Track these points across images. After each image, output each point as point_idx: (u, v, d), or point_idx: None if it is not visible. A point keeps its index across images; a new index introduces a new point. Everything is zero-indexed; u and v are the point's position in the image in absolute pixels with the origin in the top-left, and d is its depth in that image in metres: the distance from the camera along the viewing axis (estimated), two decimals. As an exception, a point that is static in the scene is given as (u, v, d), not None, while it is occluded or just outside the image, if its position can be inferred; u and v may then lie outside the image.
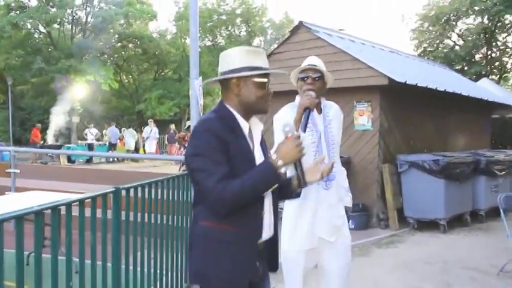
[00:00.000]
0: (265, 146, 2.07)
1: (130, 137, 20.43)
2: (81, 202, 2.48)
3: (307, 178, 2.00)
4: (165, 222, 3.75)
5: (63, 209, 2.38)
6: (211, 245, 1.89)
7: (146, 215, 3.48)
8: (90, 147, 18.97)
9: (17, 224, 2.00)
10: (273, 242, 2.09)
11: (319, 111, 2.80)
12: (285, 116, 2.70)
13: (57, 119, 22.48)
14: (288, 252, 2.73)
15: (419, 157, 7.18)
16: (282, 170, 1.86)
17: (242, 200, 1.81)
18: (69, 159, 17.40)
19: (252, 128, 2.03)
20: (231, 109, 1.97)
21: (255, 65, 1.94)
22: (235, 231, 1.88)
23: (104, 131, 22.11)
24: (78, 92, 25.80)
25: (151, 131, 19.37)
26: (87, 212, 2.64)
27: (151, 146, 19.33)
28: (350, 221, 7.26)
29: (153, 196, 3.51)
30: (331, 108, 2.88)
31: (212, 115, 1.95)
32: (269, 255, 2.10)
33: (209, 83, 2.12)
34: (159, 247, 3.68)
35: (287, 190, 2.09)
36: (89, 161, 18.34)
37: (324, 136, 2.75)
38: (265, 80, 1.96)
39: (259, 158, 1.98)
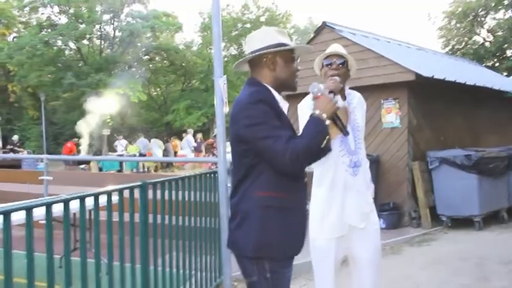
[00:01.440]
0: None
1: (156, 147, 20.68)
2: (109, 194, 2.53)
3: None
4: (192, 224, 3.77)
5: (90, 202, 2.42)
6: (271, 213, 1.95)
7: (174, 217, 3.52)
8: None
9: (47, 212, 2.06)
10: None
11: (344, 98, 2.78)
12: (309, 104, 2.70)
13: (88, 132, 23.00)
14: (318, 240, 2.69)
15: (450, 153, 7.01)
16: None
17: (311, 155, 1.94)
18: (100, 170, 17.75)
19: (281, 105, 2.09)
20: (266, 84, 2.05)
21: (285, 42, 2.06)
22: (290, 198, 1.99)
23: (134, 144, 22.52)
24: (108, 105, 26.35)
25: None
26: (115, 216, 2.70)
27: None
28: (381, 220, 7.17)
29: (180, 194, 3.53)
30: (355, 96, 2.87)
31: (255, 88, 2.01)
32: None
33: (241, 63, 2.16)
34: (187, 248, 3.70)
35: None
36: (119, 171, 18.67)
37: (349, 123, 2.73)
38: (296, 55, 2.08)
39: None
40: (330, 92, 2.56)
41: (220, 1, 4.00)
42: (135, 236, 2.98)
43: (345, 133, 2.12)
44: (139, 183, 2.92)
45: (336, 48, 2.81)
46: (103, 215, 2.63)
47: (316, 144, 1.91)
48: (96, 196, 2.44)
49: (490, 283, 4.43)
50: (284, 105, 2.08)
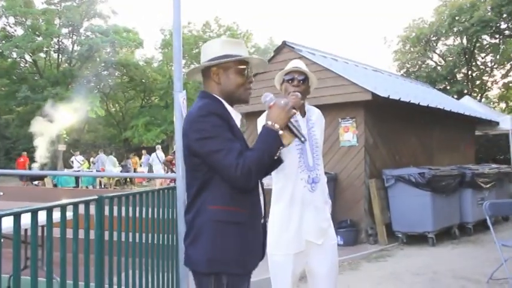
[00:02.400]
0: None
1: (110, 164, 20.24)
2: (63, 208, 2.45)
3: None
4: (150, 241, 3.69)
5: (42, 217, 2.34)
6: (225, 228, 1.92)
7: (130, 234, 3.43)
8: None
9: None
10: (264, 227, 2.13)
11: (303, 114, 2.82)
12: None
13: (43, 147, 22.26)
14: (276, 256, 2.69)
15: (405, 171, 7.23)
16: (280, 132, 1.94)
17: (263, 167, 1.90)
18: (55, 186, 17.17)
19: (233, 117, 2.05)
20: (219, 97, 2.02)
21: (233, 54, 2.00)
22: (244, 213, 1.94)
23: (92, 159, 21.96)
24: (64, 120, 25.65)
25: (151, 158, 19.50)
26: (69, 233, 2.62)
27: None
28: (339, 237, 7.25)
29: (137, 210, 3.46)
30: (314, 112, 2.91)
31: (205, 100, 1.97)
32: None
33: (191, 73, 2.14)
34: (144, 266, 3.61)
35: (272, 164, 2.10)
36: (75, 187, 18.12)
37: (308, 139, 2.75)
38: (243, 66, 2.01)
39: None
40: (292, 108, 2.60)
41: (182, 18, 4.02)
42: (89, 253, 2.89)
43: (303, 140, 2.07)
44: (95, 197, 2.84)
45: (297, 64, 2.84)
46: (56, 232, 2.54)
47: (268, 156, 1.90)
48: (49, 210, 2.36)
49: (442, 297, 4.55)
50: (237, 117, 2.05)
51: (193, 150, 1.91)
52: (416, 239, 7.07)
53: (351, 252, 6.46)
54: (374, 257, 6.35)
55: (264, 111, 2.45)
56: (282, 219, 2.69)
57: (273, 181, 2.81)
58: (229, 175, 1.82)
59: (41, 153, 21.04)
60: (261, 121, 2.71)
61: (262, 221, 2.07)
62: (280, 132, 1.93)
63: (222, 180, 1.88)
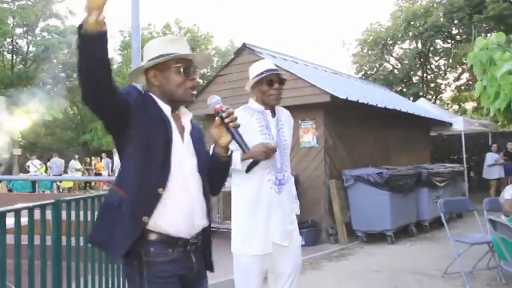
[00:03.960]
0: (199, 135, 2.03)
1: (73, 170, 19.71)
2: (17, 212, 2.38)
3: (254, 154, 2.00)
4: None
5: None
6: (104, 206, 1.94)
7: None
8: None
9: None
10: (207, 235, 1.99)
11: (273, 114, 2.81)
12: (240, 118, 2.64)
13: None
14: (242, 256, 2.68)
15: (363, 171, 7.39)
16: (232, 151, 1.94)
17: (82, 73, 1.63)
18: (10, 191, 16.53)
19: (182, 117, 1.98)
20: (152, 95, 1.93)
21: (169, 52, 1.89)
22: (123, 196, 1.81)
23: (48, 163, 21.31)
24: (19, 123, 24.77)
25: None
26: (23, 239, 2.54)
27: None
28: (301, 237, 7.33)
29: (96, 213, 3.39)
30: (283, 113, 2.91)
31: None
32: (204, 251, 1.99)
33: (131, 77, 2.05)
34: (104, 271, 3.55)
35: (218, 166, 2.01)
36: (32, 193, 17.51)
37: (277, 140, 2.75)
38: (180, 65, 1.89)
39: (187, 145, 1.93)
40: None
41: (142, 19, 3.98)
42: (46, 259, 2.82)
43: (245, 149, 1.95)
44: (52, 201, 2.77)
45: (270, 65, 2.81)
46: (9, 238, 2.46)
47: (81, 57, 1.61)
48: (1, 215, 2.28)
49: (400, 293, 4.69)
50: (186, 117, 1.98)
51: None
52: (376, 238, 7.25)
53: (312, 252, 6.54)
54: (335, 256, 6.46)
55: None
56: (248, 221, 2.68)
57: (236, 181, 2.78)
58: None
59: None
60: None
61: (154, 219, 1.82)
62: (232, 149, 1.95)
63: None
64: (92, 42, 1.60)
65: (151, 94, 1.93)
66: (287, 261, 2.73)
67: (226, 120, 1.88)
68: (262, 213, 2.66)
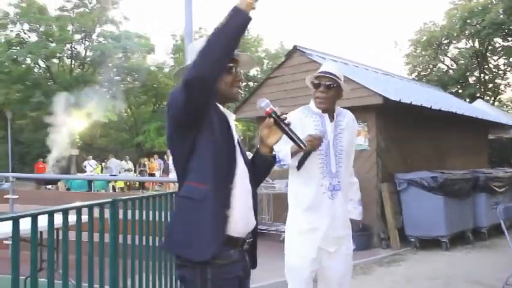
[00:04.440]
0: (239, 139, 2.05)
1: (122, 171, 20.31)
2: (78, 210, 2.49)
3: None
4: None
5: (58, 220, 2.38)
6: (183, 205, 1.85)
7: (144, 237, 3.46)
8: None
9: (13, 227, 2.01)
10: (254, 233, 2.00)
11: (332, 118, 2.76)
12: (295, 118, 2.61)
13: (56, 152, 22.49)
14: (292, 259, 2.70)
15: (417, 175, 7.18)
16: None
17: (214, 51, 1.68)
18: (68, 190, 17.31)
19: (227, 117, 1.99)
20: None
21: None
22: (207, 189, 1.79)
23: (104, 164, 22.16)
24: (77, 125, 25.92)
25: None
26: (84, 236, 2.65)
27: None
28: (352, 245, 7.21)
29: (151, 212, 3.49)
30: (345, 116, 2.82)
31: None
32: (249, 249, 1.99)
33: (177, 75, 2.05)
34: (157, 269, 3.63)
35: (262, 165, 2.02)
36: (88, 191, 18.25)
37: (332, 145, 2.70)
38: (231, 64, 1.90)
39: (236, 144, 1.96)
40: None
41: (194, 23, 4.06)
42: (104, 256, 2.93)
43: (302, 145, 1.96)
44: (109, 199, 2.88)
45: (326, 68, 2.76)
46: (72, 235, 2.58)
47: (225, 36, 1.69)
48: (65, 212, 2.40)
49: (456, 302, 4.52)
50: (230, 118, 1.99)
51: (171, 117, 1.86)
52: (430, 244, 7.02)
53: (363, 256, 6.42)
54: (386, 261, 6.32)
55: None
56: (298, 224, 2.69)
57: (291, 185, 2.79)
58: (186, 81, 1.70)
59: (55, 158, 21.28)
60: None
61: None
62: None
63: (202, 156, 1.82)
64: (242, 20, 1.70)
65: None
66: (335, 265, 2.69)
67: (281, 117, 1.91)
68: (313, 217, 2.65)
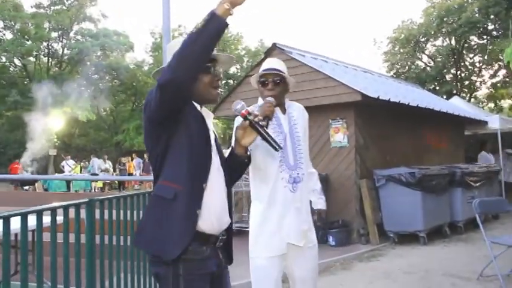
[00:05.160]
0: (216, 138, 2.06)
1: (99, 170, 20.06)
2: (53, 211, 2.45)
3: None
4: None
5: (32, 222, 2.34)
6: (154, 203, 1.89)
7: (122, 237, 3.43)
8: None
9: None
10: (229, 230, 2.03)
11: (283, 111, 2.74)
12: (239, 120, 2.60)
13: (33, 151, 22.10)
14: (257, 259, 2.59)
15: (395, 171, 7.27)
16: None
17: (189, 55, 1.69)
18: (46, 190, 17.02)
19: (205, 116, 2.00)
20: None
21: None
22: (178, 189, 1.82)
23: (83, 164, 21.89)
24: (54, 124, 25.50)
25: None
26: (59, 237, 2.61)
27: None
28: (331, 237, 7.28)
29: (128, 212, 3.46)
30: (295, 108, 2.82)
31: None
32: (226, 246, 2.04)
33: (156, 75, 2.03)
34: (136, 269, 3.60)
35: (237, 165, 2.06)
36: (66, 191, 17.98)
37: (289, 137, 2.68)
38: (209, 64, 1.91)
39: (213, 142, 1.98)
40: (265, 117, 2.44)
41: (172, 20, 4.03)
42: (80, 257, 2.89)
43: (277, 147, 1.99)
44: (85, 200, 2.84)
45: (270, 64, 2.74)
46: (47, 236, 2.53)
47: (201, 40, 1.71)
48: (39, 213, 2.35)
49: (434, 295, 4.60)
50: (209, 118, 2.01)
51: (147, 117, 1.88)
52: (408, 238, 7.11)
53: (343, 252, 6.48)
54: (366, 256, 6.38)
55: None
56: (262, 221, 2.60)
57: (252, 181, 2.72)
58: (160, 84, 1.73)
59: (32, 158, 20.90)
60: (238, 121, 2.45)
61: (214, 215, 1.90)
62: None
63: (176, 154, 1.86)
64: (219, 25, 1.73)
65: None
66: (302, 263, 2.65)
67: (256, 120, 1.95)
68: (276, 213, 2.58)
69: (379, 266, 5.86)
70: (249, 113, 1.96)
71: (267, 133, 1.96)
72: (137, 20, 63.44)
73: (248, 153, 2.08)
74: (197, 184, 1.84)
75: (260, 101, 2.72)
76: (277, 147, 1.98)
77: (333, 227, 7.10)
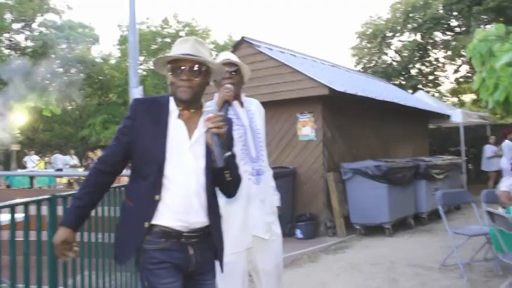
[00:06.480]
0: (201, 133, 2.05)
1: (67, 166, 19.58)
2: (12, 208, 2.37)
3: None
4: (106, 240, 3.60)
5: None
6: (120, 213, 2.14)
7: (86, 233, 3.34)
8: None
9: None
10: (210, 232, 2.05)
11: (241, 105, 2.77)
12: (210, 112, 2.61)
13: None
14: (225, 256, 2.48)
15: (362, 164, 7.39)
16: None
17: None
18: (8, 187, 16.51)
19: (196, 116, 2.06)
20: (170, 97, 2.06)
21: (172, 53, 2.02)
22: (131, 206, 2.02)
23: (47, 159, 21.34)
24: (17, 119, 24.73)
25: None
26: (19, 235, 2.53)
27: None
28: (299, 230, 7.32)
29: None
30: (252, 103, 2.85)
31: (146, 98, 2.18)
32: (211, 250, 2.07)
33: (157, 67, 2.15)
34: (101, 266, 3.53)
35: (215, 170, 2.01)
36: (30, 188, 17.49)
37: (250, 130, 2.70)
38: (172, 65, 2.00)
39: (195, 144, 2.00)
40: (226, 101, 2.53)
41: (140, 13, 3.96)
42: (42, 255, 2.81)
43: (217, 164, 1.94)
44: (47, 196, 2.76)
45: (227, 56, 2.80)
46: (4, 234, 2.45)
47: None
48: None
49: (399, 284, 4.70)
50: (192, 116, 2.05)
51: None
52: (374, 230, 7.25)
53: (310, 245, 6.55)
54: (333, 249, 6.47)
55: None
56: (226, 215, 2.51)
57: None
58: None
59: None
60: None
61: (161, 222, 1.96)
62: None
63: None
64: None
65: (169, 96, 2.07)
66: (267, 256, 2.66)
67: (209, 126, 1.94)
68: (241, 206, 2.58)
69: (346, 258, 5.95)
70: (212, 119, 1.94)
71: (219, 141, 1.92)
72: (104, 12, 62.11)
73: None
74: (148, 199, 1.96)
75: (216, 97, 2.71)
76: (217, 163, 1.92)
77: (300, 220, 7.17)
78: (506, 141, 8.54)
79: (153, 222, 1.94)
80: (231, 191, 2.13)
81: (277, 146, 7.67)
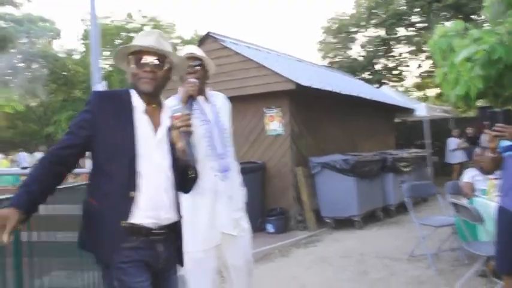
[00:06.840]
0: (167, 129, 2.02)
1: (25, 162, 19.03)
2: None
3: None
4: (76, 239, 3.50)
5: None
6: (83, 214, 1.98)
7: (53, 233, 3.25)
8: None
9: None
10: (178, 229, 2.05)
11: (206, 100, 2.74)
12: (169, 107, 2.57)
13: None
14: (193, 253, 2.50)
15: (330, 158, 7.45)
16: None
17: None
18: (-32, 189, 15.91)
19: (160, 111, 2.02)
20: (131, 91, 2.01)
21: (130, 44, 1.99)
22: (98, 206, 1.91)
23: (11, 157, 20.66)
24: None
25: None
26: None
27: None
28: (270, 225, 7.32)
29: (60, 207, 3.28)
30: (218, 97, 2.82)
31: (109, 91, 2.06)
32: (175, 243, 2.06)
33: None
34: (71, 265, 3.44)
35: (180, 167, 2.01)
36: (-9, 190, 16.91)
37: (215, 126, 2.67)
38: (132, 56, 1.97)
39: (160, 140, 1.98)
40: (190, 96, 2.49)
41: (105, 7, 3.85)
42: (5, 256, 2.70)
43: (181, 156, 1.96)
44: (10, 196, 2.65)
45: (191, 49, 2.75)
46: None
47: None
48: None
49: (369, 276, 4.77)
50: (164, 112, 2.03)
51: None
52: (344, 223, 7.34)
53: (281, 239, 6.57)
54: (304, 243, 6.51)
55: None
56: (193, 213, 2.53)
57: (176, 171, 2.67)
58: None
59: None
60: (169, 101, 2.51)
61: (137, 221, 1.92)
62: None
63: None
64: None
65: (129, 90, 2.00)
66: (236, 252, 2.65)
67: (178, 125, 1.92)
68: (208, 203, 2.57)
69: (317, 251, 6.00)
70: (177, 119, 1.93)
71: (188, 140, 1.93)
72: (67, 6, 60.38)
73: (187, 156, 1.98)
74: (121, 197, 1.88)
75: (180, 91, 2.67)
76: (188, 159, 1.96)
77: (271, 215, 7.18)
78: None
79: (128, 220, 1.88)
80: (189, 187, 2.12)
81: (246, 141, 7.65)
